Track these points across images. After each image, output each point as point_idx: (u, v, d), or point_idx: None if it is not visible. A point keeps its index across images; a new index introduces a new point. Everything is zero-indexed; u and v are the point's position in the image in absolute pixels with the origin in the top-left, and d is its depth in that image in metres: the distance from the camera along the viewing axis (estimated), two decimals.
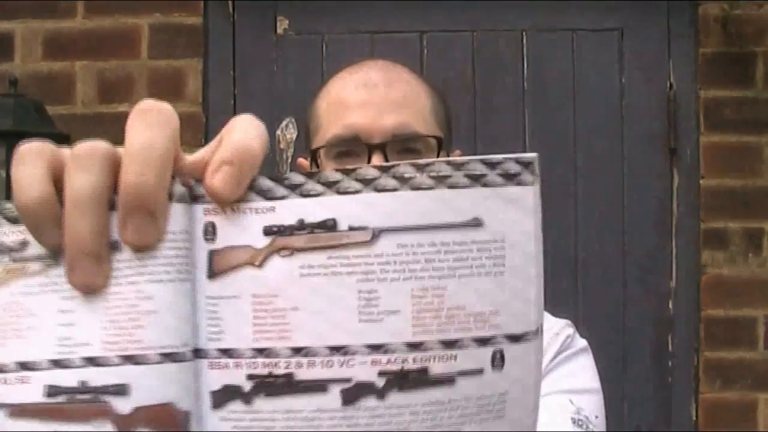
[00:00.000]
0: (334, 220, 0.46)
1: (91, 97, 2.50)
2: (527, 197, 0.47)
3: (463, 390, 0.47)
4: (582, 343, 1.17)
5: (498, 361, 0.47)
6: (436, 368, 0.46)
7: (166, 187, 0.45)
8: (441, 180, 0.46)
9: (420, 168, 0.46)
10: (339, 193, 0.46)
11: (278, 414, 0.46)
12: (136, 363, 0.45)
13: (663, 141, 2.47)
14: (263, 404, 0.46)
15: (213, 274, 0.47)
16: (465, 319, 0.46)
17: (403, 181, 0.46)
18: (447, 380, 0.47)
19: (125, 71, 2.51)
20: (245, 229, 0.47)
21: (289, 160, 2.58)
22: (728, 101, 2.44)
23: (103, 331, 0.45)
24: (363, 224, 0.46)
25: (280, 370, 0.46)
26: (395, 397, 0.46)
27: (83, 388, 0.45)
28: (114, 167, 0.45)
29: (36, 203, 0.45)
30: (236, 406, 0.47)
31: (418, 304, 0.46)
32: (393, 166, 0.46)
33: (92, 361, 0.45)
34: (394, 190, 0.46)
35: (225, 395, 0.47)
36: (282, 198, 0.47)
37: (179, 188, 0.47)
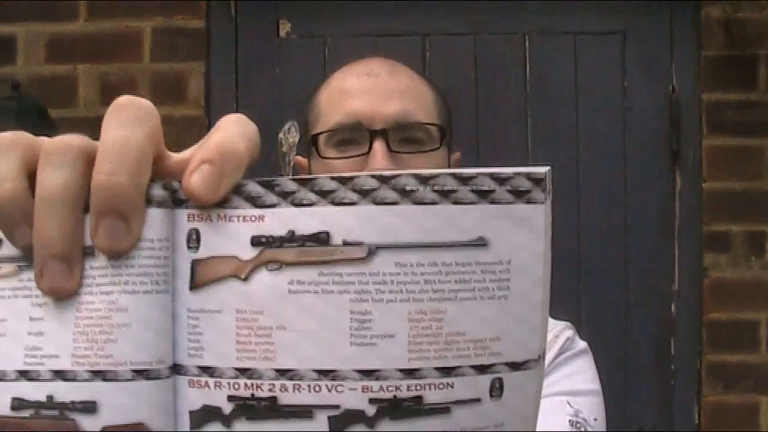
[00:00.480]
0: (327, 234, 0.43)
1: (93, 100, 2.50)
2: (537, 217, 0.44)
3: (459, 420, 0.44)
4: (582, 344, 1.16)
5: (497, 390, 0.44)
6: (431, 397, 0.43)
7: (142, 188, 0.42)
8: (445, 195, 0.43)
9: (423, 180, 0.43)
10: (334, 203, 0.43)
11: None
12: (106, 379, 0.42)
13: (665, 144, 2.47)
14: (244, 428, 0.43)
15: (195, 285, 0.44)
16: (464, 345, 0.43)
17: (404, 194, 0.43)
18: (442, 410, 0.44)
19: (128, 74, 2.51)
20: (231, 238, 0.44)
21: (292, 164, 2.58)
22: (731, 104, 2.43)
23: (72, 344, 0.42)
24: (358, 239, 0.43)
25: (264, 393, 0.43)
26: (386, 427, 0.43)
27: (50, 404, 0.42)
28: (91, 164, 0.42)
29: (6, 199, 0.42)
30: (214, 428, 0.43)
31: (415, 328, 0.43)
32: (394, 177, 0.43)
33: (60, 375, 0.42)
34: (394, 203, 0.43)
35: (203, 416, 0.44)
36: (272, 206, 0.44)
37: (159, 191, 0.43)
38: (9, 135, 0.44)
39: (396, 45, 2.45)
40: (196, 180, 0.43)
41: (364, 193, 0.43)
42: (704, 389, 2.43)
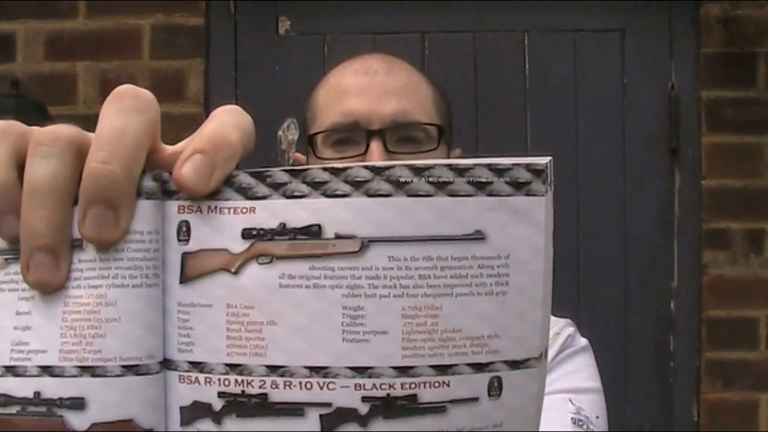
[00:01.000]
0: (319, 226, 0.42)
1: (92, 98, 2.50)
2: (537, 210, 0.44)
3: (455, 420, 0.42)
4: (582, 342, 1.16)
5: (495, 389, 0.43)
6: (426, 395, 0.42)
7: (134, 179, 0.41)
8: (441, 186, 0.42)
9: (418, 171, 0.42)
10: (326, 195, 0.42)
11: None
12: (95, 375, 0.41)
13: (664, 141, 2.47)
14: (234, 425, 0.42)
15: (185, 279, 0.43)
16: (461, 342, 0.42)
17: (399, 185, 0.41)
18: (437, 409, 0.42)
19: (127, 72, 2.51)
20: (222, 231, 0.43)
21: (291, 160, 2.58)
22: (730, 102, 2.43)
23: (60, 338, 0.41)
24: (351, 232, 0.42)
25: (254, 390, 0.42)
26: (380, 426, 0.42)
27: (37, 400, 0.41)
28: (81, 155, 0.41)
29: None
30: (205, 426, 0.43)
31: (409, 324, 0.42)
32: (387, 168, 0.42)
33: (48, 371, 0.41)
34: (388, 195, 0.41)
35: (194, 412, 0.43)
36: (263, 198, 0.43)
37: (149, 183, 0.42)
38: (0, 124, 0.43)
39: (395, 42, 2.45)
40: (187, 170, 0.42)
41: (357, 185, 0.42)
42: (703, 387, 2.43)
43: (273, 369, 0.42)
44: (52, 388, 0.41)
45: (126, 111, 0.42)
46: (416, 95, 1.14)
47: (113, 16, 2.51)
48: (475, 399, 0.43)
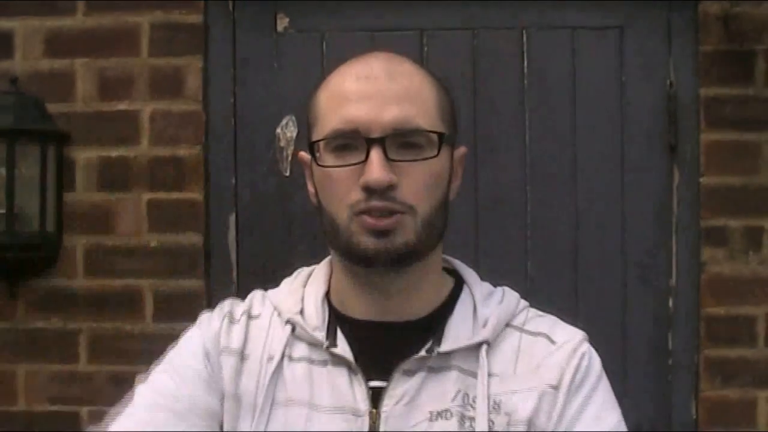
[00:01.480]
0: None
1: (91, 95, 2.50)
2: None
3: None
4: (597, 365, 1.18)
5: None
6: None
7: None
8: None
9: None
10: None
11: None
12: None
13: (663, 139, 2.47)
14: None
15: None
16: None
17: None
18: None
19: (126, 69, 2.51)
20: None
21: (289, 158, 2.58)
22: (728, 99, 2.43)
23: None
24: None
25: None
26: None
27: None
28: None
29: None
30: None
31: None
32: None
33: None
34: None
35: None
36: None
37: None
38: None
39: (393, 40, 2.45)
40: None
41: None
42: (702, 384, 2.43)
43: None
44: None
45: None
46: (418, 99, 1.13)
47: (112, 13, 2.51)
48: None
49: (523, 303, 1.22)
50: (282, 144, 2.51)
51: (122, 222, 2.50)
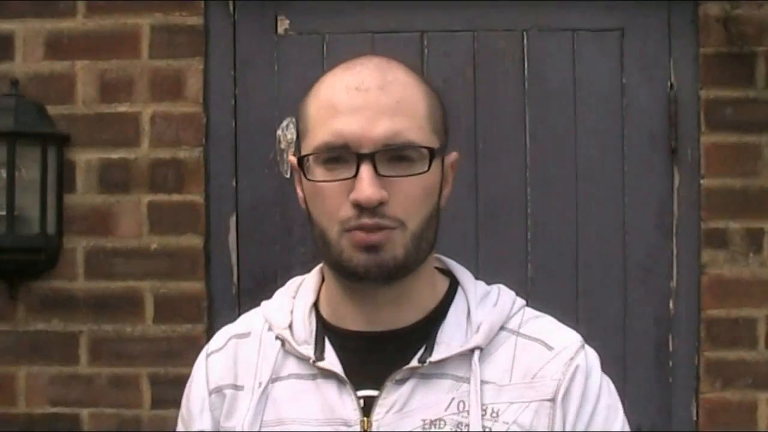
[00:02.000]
0: None
1: (91, 97, 2.50)
2: None
3: None
4: (596, 372, 1.18)
5: None
6: None
7: None
8: None
9: None
10: None
11: None
12: None
13: (663, 141, 2.47)
14: None
15: None
16: None
17: None
18: None
19: (126, 71, 2.51)
20: None
21: (288, 164, 2.58)
22: (729, 101, 2.43)
23: None
24: None
25: None
26: None
27: None
28: None
29: None
30: None
31: None
32: None
33: None
34: None
35: None
36: None
37: None
38: None
39: (394, 42, 2.45)
40: None
41: None
42: (702, 386, 2.43)
43: None
44: None
45: None
46: (409, 111, 1.11)
47: (112, 15, 2.51)
48: None
49: (519, 303, 1.21)
50: (282, 146, 2.51)
51: (123, 224, 2.50)
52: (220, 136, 2.51)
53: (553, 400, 1.12)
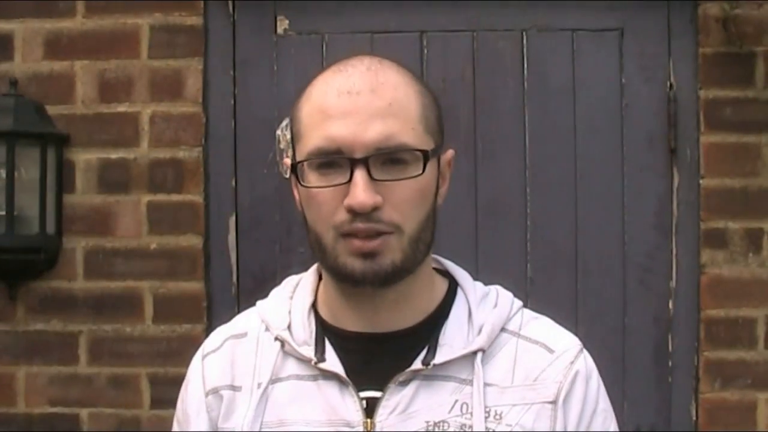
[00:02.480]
0: None
1: (91, 97, 2.50)
2: None
3: None
4: (594, 377, 1.17)
5: None
6: None
7: None
8: None
9: None
10: None
11: None
12: None
13: (663, 141, 2.47)
14: None
15: None
16: None
17: None
18: None
19: (125, 71, 2.51)
20: None
21: (285, 167, 2.58)
22: (728, 101, 2.43)
23: None
24: None
25: None
26: None
27: None
28: None
29: None
30: None
31: None
32: None
33: None
34: None
35: None
36: None
37: None
38: None
39: (394, 42, 2.45)
40: None
41: None
42: (702, 386, 2.43)
43: None
44: None
45: None
46: (402, 113, 1.10)
47: (111, 15, 2.51)
48: None
49: (517, 304, 1.21)
50: (282, 146, 2.51)
51: (122, 224, 2.50)
52: (220, 136, 2.51)
53: (554, 402, 1.13)
